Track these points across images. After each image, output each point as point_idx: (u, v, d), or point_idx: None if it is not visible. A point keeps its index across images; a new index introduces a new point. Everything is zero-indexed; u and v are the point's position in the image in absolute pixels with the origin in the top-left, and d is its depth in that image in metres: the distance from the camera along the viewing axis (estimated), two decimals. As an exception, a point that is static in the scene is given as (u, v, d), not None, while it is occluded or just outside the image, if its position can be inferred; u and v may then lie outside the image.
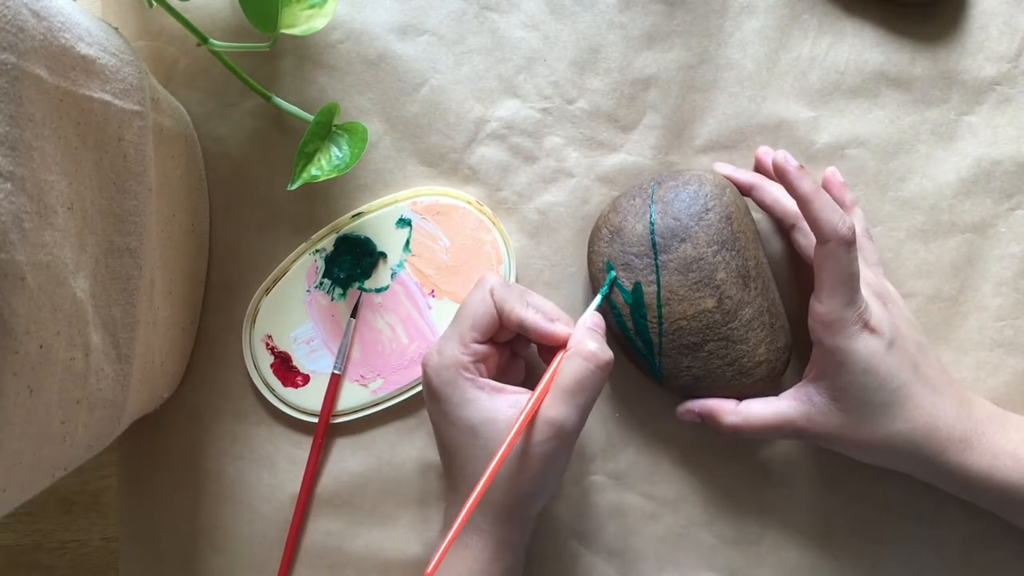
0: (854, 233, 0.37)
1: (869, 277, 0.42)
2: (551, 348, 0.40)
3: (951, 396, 0.40)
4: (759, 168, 0.46)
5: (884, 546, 0.46)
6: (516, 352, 0.43)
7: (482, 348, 0.39)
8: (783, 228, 0.44)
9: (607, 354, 0.38)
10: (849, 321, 0.38)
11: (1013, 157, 0.46)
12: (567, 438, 0.37)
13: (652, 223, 0.41)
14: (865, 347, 0.38)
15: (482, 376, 0.39)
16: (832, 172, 0.45)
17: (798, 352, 0.45)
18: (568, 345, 0.39)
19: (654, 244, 0.41)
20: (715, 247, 0.41)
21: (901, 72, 0.46)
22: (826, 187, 0.45)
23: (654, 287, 0.41)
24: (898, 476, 0.46)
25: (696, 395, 0.43)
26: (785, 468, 0.47)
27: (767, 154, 0.45)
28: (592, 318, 0.40)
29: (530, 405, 0.37)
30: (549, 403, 0.37)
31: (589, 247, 0.44)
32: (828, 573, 0.46)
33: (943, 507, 0.46)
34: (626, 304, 0.42)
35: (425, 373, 0.40)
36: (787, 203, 0.43)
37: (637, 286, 0.41)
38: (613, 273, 0.42)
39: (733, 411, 0.42)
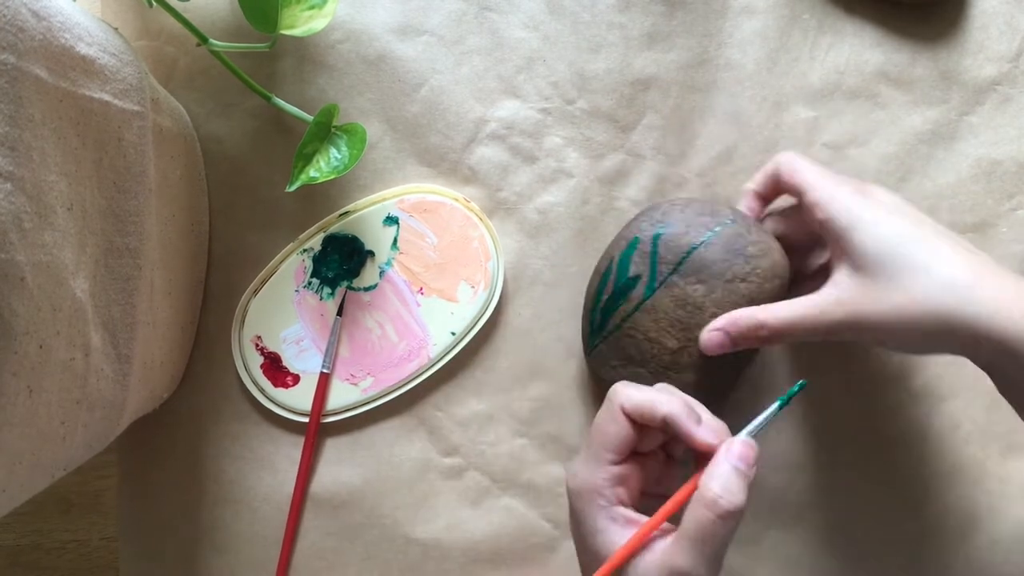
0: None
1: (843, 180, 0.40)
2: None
3: (985, 258, 0.36)
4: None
5: (885, 546, 0.46)
6: (672, 455, 0.39)
7: (619, 469, 0.35)
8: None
9: (733, 501, 0.32)
10: (847, 187, 0.38)
11: (1013, 157, 0.46)
12: None
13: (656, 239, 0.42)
14: (869, 203, 0.37)
15: (621, 500, 0.35)
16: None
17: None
18: (699, 482, 0.34)
19: (655, 262, 0.41)
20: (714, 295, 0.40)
21: (901, 72, 0.46)
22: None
23: (648, 291, 0.41)
24: (898, 476, 0.46)
25: (619, 379, 0.41)
26: (785, 467, 0.47)
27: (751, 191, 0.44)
28: (741, 446, 0.34)
29: (634, 536, 0.34)
30: (675, 549, 0.33)
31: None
32: (829, 573, 0.46)
33: (944, 506, 0.46)
34: (610, 277, 0.42)
35: (568, 492, 0.37)
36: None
37: (635, 280, 0.42)
38: (803, 383, 0.37)
39: (758, 311, 0.39)
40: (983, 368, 0.37)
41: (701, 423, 0.35)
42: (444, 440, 0.47)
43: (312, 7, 0.42)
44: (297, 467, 0.47)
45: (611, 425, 0.36)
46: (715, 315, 0.40)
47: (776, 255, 0.41)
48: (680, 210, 0.42)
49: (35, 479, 0.32)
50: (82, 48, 0.33)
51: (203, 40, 0.42)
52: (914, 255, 0.35)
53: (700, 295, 0.40)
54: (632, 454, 0.36)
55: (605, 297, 0.43)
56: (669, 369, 0.41)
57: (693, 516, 0.33)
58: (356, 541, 0.47)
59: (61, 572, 0.49)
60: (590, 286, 0.44)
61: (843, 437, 0.46)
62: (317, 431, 0.46)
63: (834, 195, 0.38)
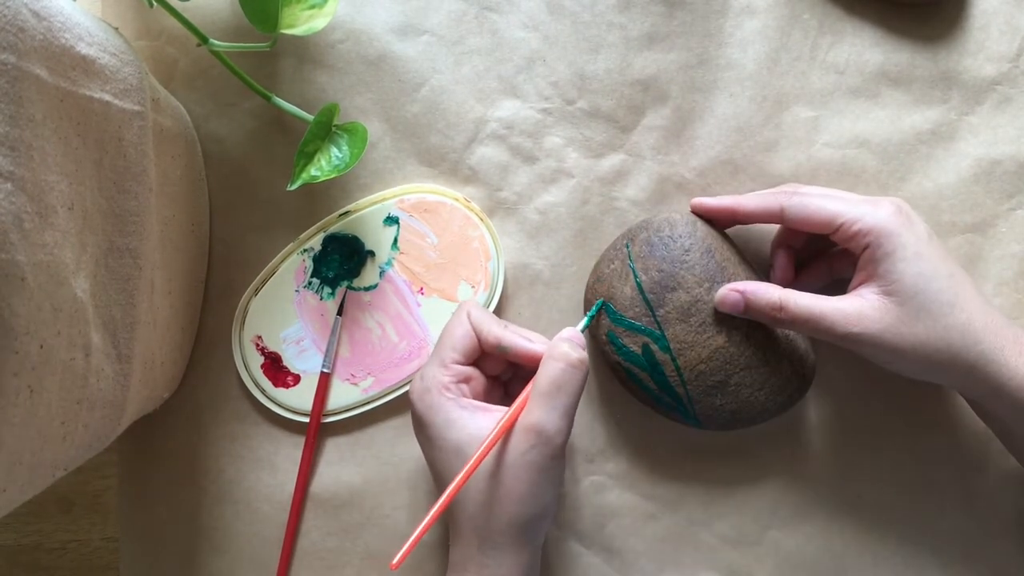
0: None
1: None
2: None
3: (995, 309, 0.39)
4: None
5: (885, 545, 0.46)
6: (509, 392, 0.43)
7: (464, 369, 0.39)
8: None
9: (579, 353, 0.38)
10: (894, 211, 0.38)
11: (1013, 157, 0.46)
12: (551, 443, 0.36)
13: (638, 283, 0.42)
14: (912, 233, 0.38)
15: (465, 395, 0.39)
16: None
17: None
18: (544, 355, 0.38)
19: (647, 302, 0.41)
20: (706, 284, 0.41)
21: (901, 72, 0.46)
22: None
23: (662, 342, 0.41)
24: (899, 475, 0.46)
25: (738, 428, 0.43)
26: (785, 468, 0.47)
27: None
28: (570, 331, 0.39)
29: (509, 415, 0.37)
30: (528, 409, 0.37)
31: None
32: (828, 573, 0.46)
33: (944, 506, 0.46)
34: (643, 369, 0.42)
35: (410, 401, 0.40)
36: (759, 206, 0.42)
37: (646, 347, 0.41)
38: (601, 302, 0.42)
39: (780, 291, 0.40)
40: (968, 400, 0.41)
41: (533, 341, 0.39)
42: (444, 440, 0.47)
43: (312, 6, 0.42)
44: (297, 467, 0.47)
45: (459, 328, 0.40)
46: (704, 285, 0.41)
47: (682, 222, 0.43)
48: (601, 282, 0.43)
49: (35, 479, 0.32)
50: (82, 48, 0.33)
51: (203, 40, 0.42)
52: (943, 292, 0.37)
53: (684, 294, 0.41)
54: (475, 365, 0.40)
55: (651, 385, 0.42)
56: (747, 348, 0.41)
57: (546, 373, 0.37)
58: (357, 541, 0.47)
59: (62, 572, 0.49)
60: (636, 394, 0.44)
61: (843, 437, 0.46)
62: (318, 431, 0.46)
63: (876, 217, 0.38)
